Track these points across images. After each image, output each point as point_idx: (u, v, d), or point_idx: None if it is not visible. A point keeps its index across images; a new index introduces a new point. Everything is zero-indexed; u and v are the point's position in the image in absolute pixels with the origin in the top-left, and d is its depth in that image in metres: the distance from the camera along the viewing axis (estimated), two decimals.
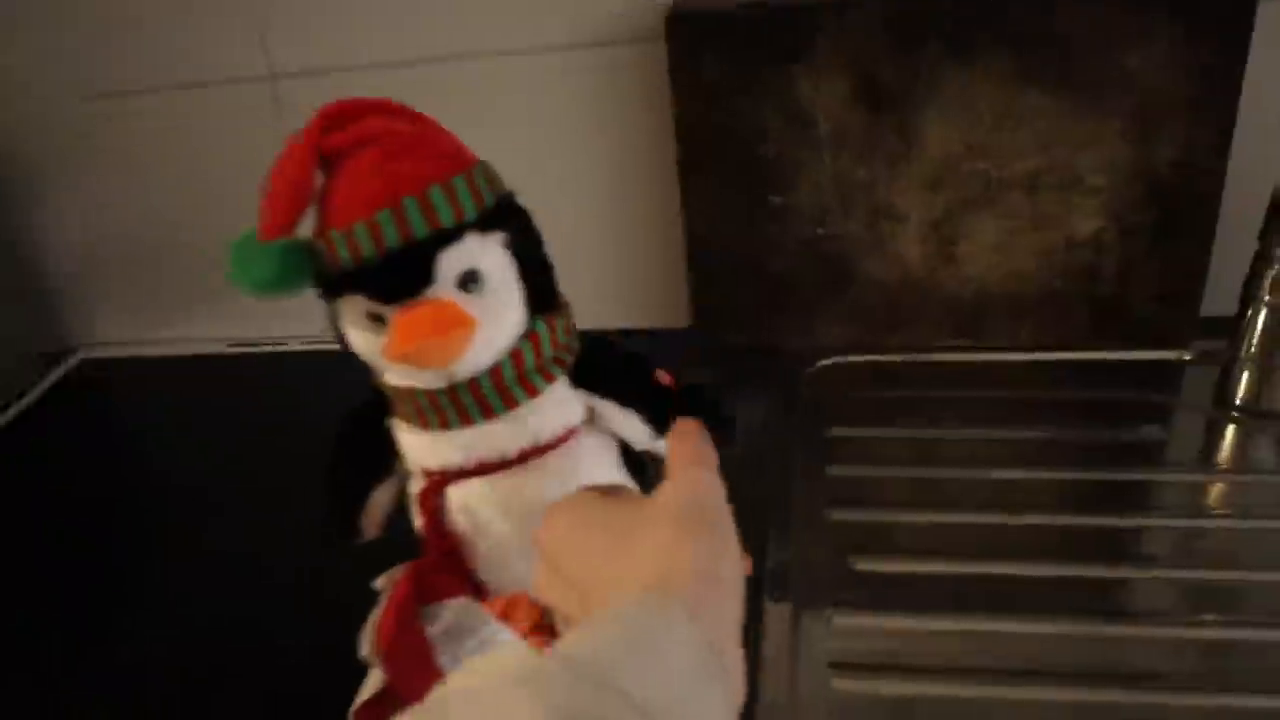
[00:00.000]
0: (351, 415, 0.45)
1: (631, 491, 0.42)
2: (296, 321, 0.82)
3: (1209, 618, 0.48)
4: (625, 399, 0.42)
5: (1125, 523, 0.55)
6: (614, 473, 0.44)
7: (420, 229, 0.37)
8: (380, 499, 0.45)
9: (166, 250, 0.83)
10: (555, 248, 0.41)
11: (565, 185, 0.72)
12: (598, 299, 0.76)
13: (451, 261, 0.37)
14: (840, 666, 0.47)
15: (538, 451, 0.42)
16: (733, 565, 0.33)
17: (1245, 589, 0.51)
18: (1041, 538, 0.54)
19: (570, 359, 0.42)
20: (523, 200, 0.40)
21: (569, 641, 0.28)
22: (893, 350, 0.69)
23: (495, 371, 0.40)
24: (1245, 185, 0.60)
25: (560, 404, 0.42)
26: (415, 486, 0.44)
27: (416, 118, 0.40)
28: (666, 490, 0.35)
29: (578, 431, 0.43)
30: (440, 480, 0.42)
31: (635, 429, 0.43)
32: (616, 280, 0.76)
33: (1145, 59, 0.58)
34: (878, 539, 0.55)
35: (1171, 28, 0.58)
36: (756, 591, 0.51)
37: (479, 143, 0.40)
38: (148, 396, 0.81)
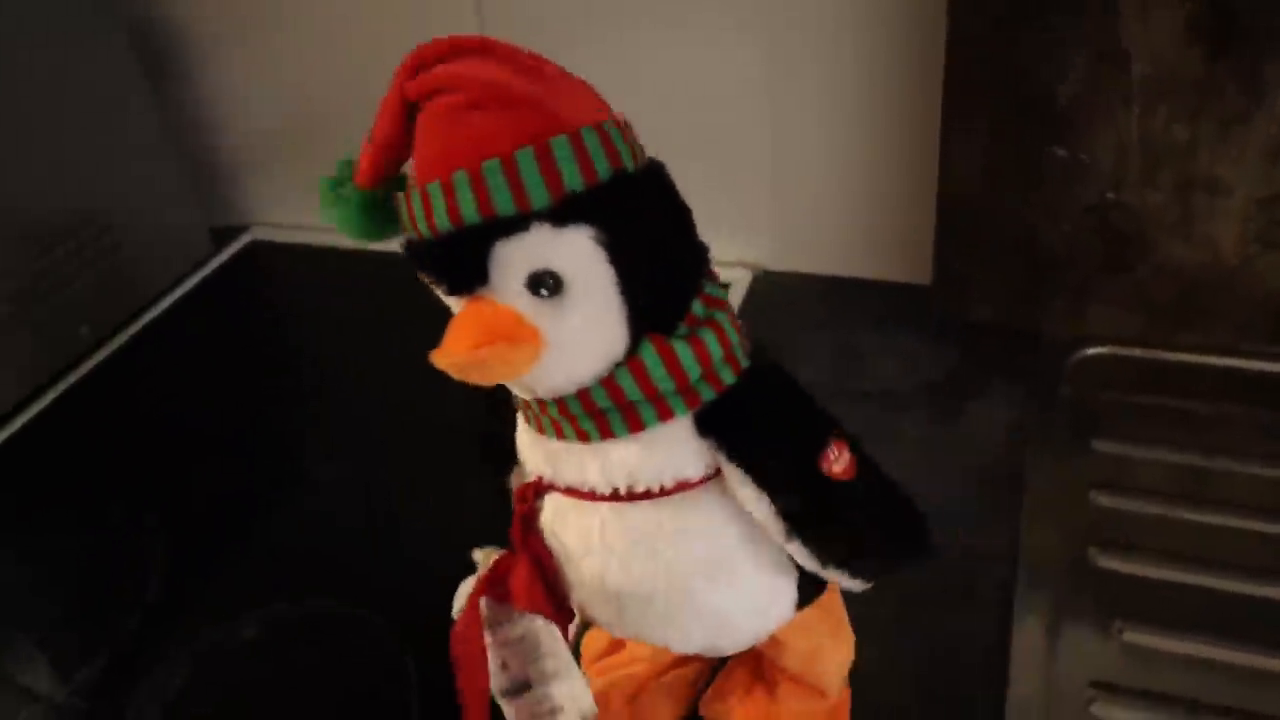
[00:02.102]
0: None
1: None
2: None
3: None
4: (761, 474, 0.33)
5: None
6: (729, 546, 0.35)
7: (469, 212, 0.29)
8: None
9: (353, 130, 0.80)
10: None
11: (804, 103, 0.64)
12: (825, 237, 0.69)
13: (512, 257, 0.30)
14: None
15: (630, 496, 0.34)
16: None
17: None
18: None
19: (710, 392, 0.33)
20: (665, 170, 0.32)
21: None
22: (1184, 349, 0.60)
23: (585, 398, 0.32)
24: None
25: (674, 448, 0.33)
26: (515, 484, 0.39)
27: (523, 64, 0.31)
28: None
29: (693, 485, 0.34)
30: (536, 484, 0.37)
31: (765, 516, 0.33)
32: (851, 219, 0.68)
33: None
34: (1148, 600, 0.48)
35: None
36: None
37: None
38: (316, 287, 0.80)
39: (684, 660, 0.45)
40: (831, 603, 0.41)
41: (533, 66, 0.31)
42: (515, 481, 0.40)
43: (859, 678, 0.43)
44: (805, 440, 0.33)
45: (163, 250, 0.79)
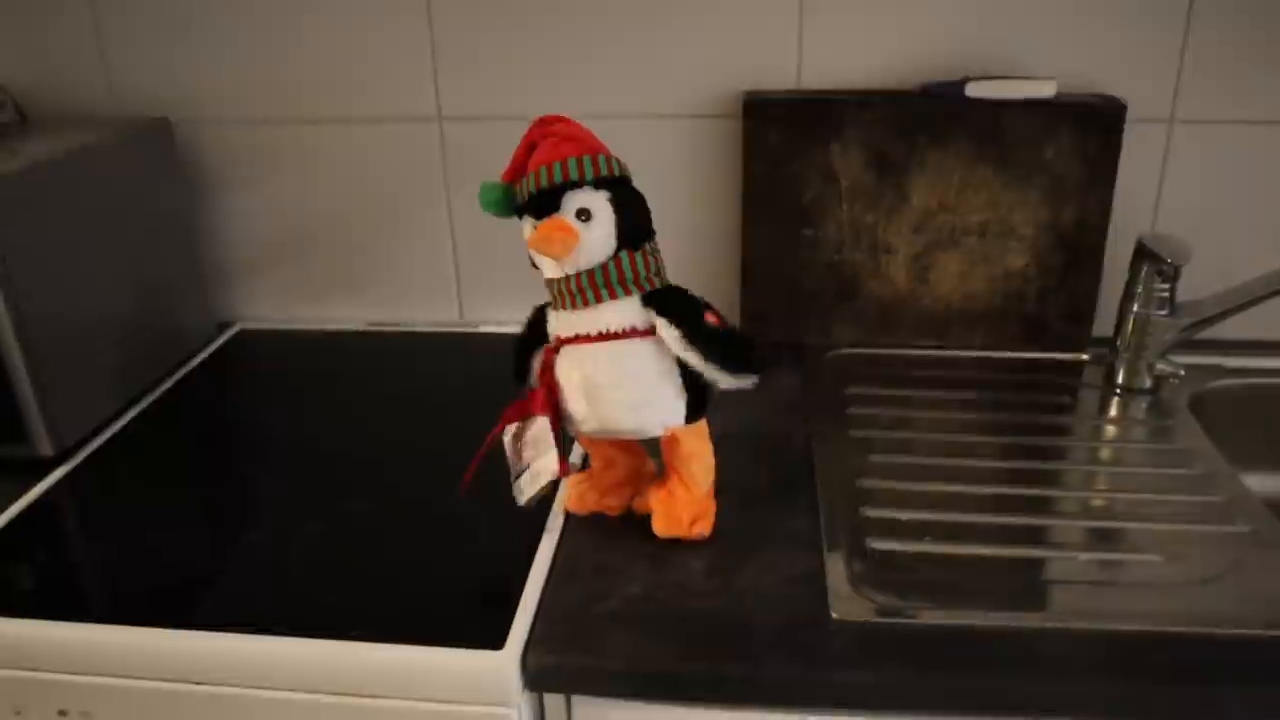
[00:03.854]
0: (534, 310, 0.77)
1: None
2: (423, 308, 1.14)
3: (1096, 504, 0.84)
4: (671, 316, 0.71)
5: (1043, 446, 0.90)
6: (655, 367, 0.72)
7: (558, 178, 0.69)
8: (537, 361, 0.77)
9: (322, 246, 1.15)
10: None
11: (657, 218, 1.07)
12: None
13: (572, 199, 0.69)
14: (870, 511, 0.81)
15: (606, 335, 0.73)
16: None
17: (1119, 478, 0.86)
18: (991, 467, 0.89)
19: (648, 287, 0.72)
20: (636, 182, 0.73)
21: None
22: (884, 347, 1.05)
23: (591, 275, 0.71)
24: (1120, 239, 0.99)
25: (629, 310, 0.71)
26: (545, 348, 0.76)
27: (580, 128, 0.73)
28: None
29: (639, 333, 0.72)
30: (559, 344, 0.74)
31: (672, 337, 0.71)
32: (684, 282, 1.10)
33: (1056, 151, 0.97)
34: (886, 447, 0.89)
35: (1073, 132, 0.96)
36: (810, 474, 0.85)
37: None
38: (295, 362, 1.11)
39: (625, 484, 0.81)
40: (702, 431, 0.78)
41: (583, 128, 0.72)
42: (537, 362, 0.77)
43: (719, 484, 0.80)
44: (696, 307, 0.73)
45: (182, 335, 1.10)
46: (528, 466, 0.76)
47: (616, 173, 0.71)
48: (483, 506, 0.83)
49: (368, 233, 1.13)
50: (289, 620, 0.71)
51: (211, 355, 1.11)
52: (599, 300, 0.71)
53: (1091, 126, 0.96)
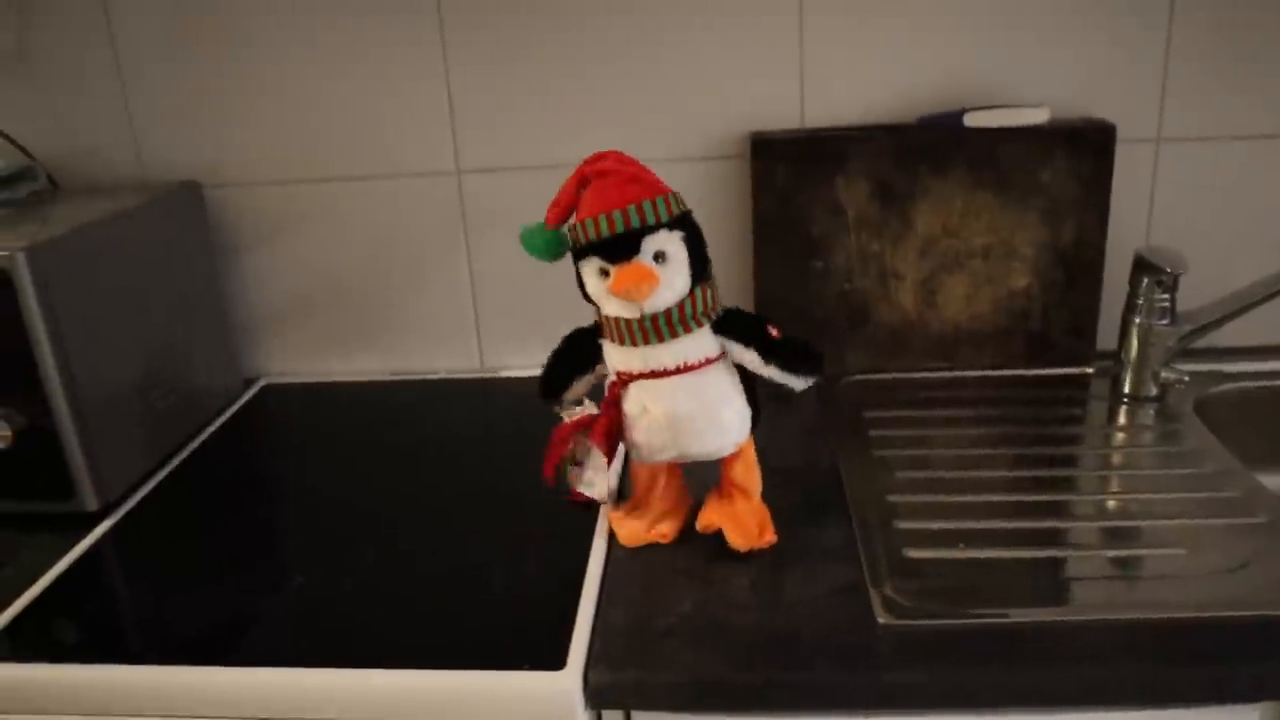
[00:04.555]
0: (574, 331, 0.80)
1: None
2: (444, 356, 1.18)
3: (1117, 504, 0.88)
4: (744, 339, 0.76)
5: (1059, 455, 0.94)
6: (732, 390, 0.77)
7: (636, 223, 0.72)
8: (578, 386, 0.81)
9: (344, 299, 1.19)
10: None
11: None
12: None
13: (650, 243, 0.72)
14: (909, 534, 0.85)
15: (686, 368, 0.76)
16: None
17: (1137, 479, 0.90)
18: (1012, 476, 0.93)
19: (715, 316, 0.76)
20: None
21: None
22: (895, 370, 1.10)
23: (668, 313, 0.74)
24: (1117, 255, 1.04)
25: (704, 341, 0.76)
26: (609, 381, 0.80)
27: (636, 164, 0.75)
28: None
29: (714, 361, 0.77)
30: (627, 378, 0.78)
31: (750, 358, 0.76)
32: None
33: (1052, 174, 1.02)
34: (908, 463, 0.93)
35: (1067, 155, 1.02)
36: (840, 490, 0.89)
37: None
38: (321, 414, 1.14)
39: (675, 508, 0.84)
40: (752, 447, 0.82)
41: (638, 163, 0.75)
42: (571, 401, 0.82)
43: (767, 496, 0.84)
44: (759, 324, 0.77)
45: (212, 391, 1.13)
46: (580, 464, 0.81)
47: (685, 209, 0.74)
48: (525, 541, 0.86)
49: (389, 284, 1.17)
50: (344, 655, 0.73)
51: (240, 410, 1.14)
52: (674, 336, 0.74)
53: (1084, 149, 1.02)
